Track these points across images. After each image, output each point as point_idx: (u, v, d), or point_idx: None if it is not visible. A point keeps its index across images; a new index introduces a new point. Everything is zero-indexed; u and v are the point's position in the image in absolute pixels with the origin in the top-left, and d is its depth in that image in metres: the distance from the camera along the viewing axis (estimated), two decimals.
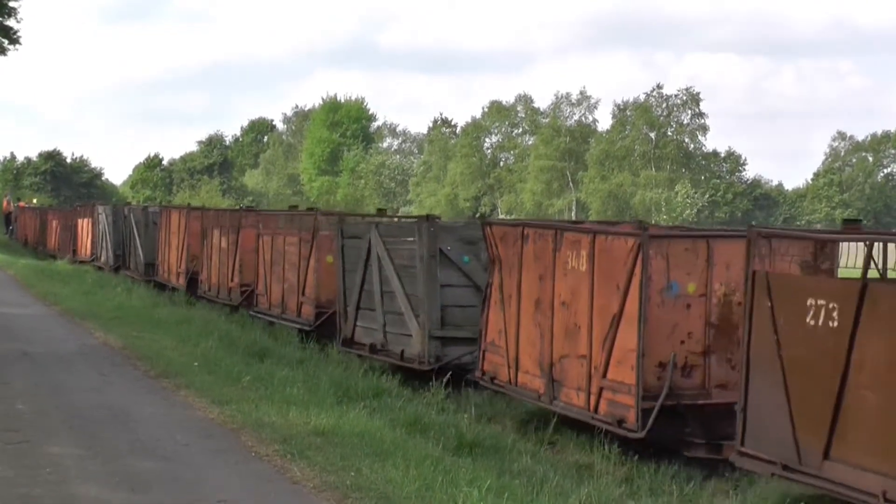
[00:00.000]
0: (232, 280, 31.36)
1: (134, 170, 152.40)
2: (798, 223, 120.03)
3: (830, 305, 11.80)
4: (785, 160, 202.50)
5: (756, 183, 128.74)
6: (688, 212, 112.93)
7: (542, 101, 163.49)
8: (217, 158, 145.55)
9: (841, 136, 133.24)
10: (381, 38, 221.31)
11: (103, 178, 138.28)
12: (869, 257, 12.32)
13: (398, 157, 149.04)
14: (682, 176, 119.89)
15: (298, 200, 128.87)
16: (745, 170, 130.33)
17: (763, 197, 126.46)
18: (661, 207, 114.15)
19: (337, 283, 23.98)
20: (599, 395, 15.74)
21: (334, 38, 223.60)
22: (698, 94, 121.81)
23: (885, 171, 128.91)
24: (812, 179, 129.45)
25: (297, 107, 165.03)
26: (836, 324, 11.69)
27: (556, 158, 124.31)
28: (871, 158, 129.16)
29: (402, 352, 21.28)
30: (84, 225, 51.95)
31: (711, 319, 15.23)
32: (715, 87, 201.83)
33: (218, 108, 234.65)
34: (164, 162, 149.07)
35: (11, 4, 52.15)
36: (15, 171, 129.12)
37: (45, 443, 14.36)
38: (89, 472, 12.89)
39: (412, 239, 21.23)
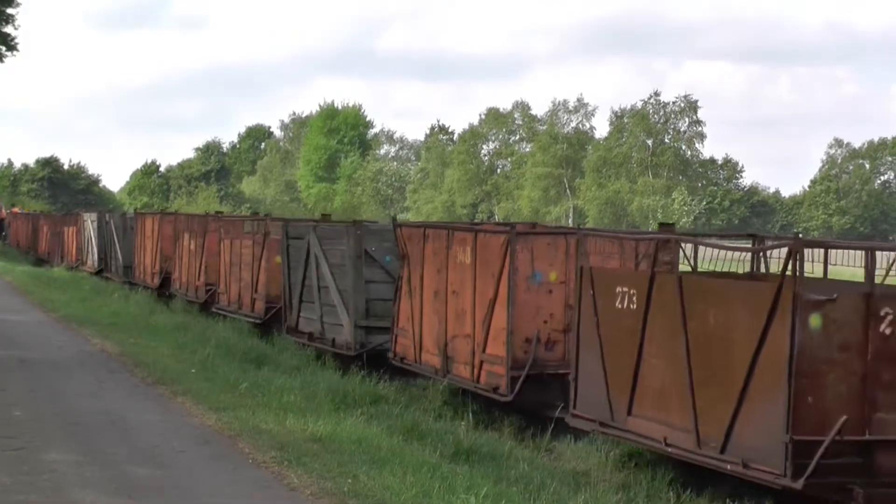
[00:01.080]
0: (198, 280, 33.85)
1: (131, 176, 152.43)
2: (795, 230, 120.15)
3: (631, 291, 14.74)
4: (782, 167, 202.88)
5: (753, 190, 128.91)
6: (685, 219, 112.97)
7: (540, 109, 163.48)
8: (214, 165, 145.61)
9: (838, 143, 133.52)
10: (379, 44, 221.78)
11: (100, 185, 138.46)
12: (677, 254, 15.53)
13: (395, 164, 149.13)
14: (680, 183, 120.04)
15: (296, 207, 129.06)
16: (741, 177, 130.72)
17: (760, 204, 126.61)
18: (658, 214, 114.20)
19: (282, 280, 26.68)
20: (480, 368, 18.53)
21: (332, 45, 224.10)
22: (696, 101, 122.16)
23: (882, 178, 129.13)
24: (809, 186, 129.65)
25: (294, 114, 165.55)
26: (634, 306, 14.62)
27: (553, 165, 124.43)
28: (867, 165, 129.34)
29: (334, 339, 23.85)
30: (70, 231, 54.62)
31: (570, 302, 17.31)
32: (712, 95, 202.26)
33: (215, 115, 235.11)
34: (162, 169, 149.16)
35: (9, 11, 52.08)
36: (12, 178, 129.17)
37: (43, 449, 14.35)
38: (87, 479, 12.88)
39: (342, 241, 23.80)
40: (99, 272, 47.01)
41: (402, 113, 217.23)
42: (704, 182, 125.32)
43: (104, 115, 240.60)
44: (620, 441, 15.14)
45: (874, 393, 12.26)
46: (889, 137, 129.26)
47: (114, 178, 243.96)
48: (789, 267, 12.14)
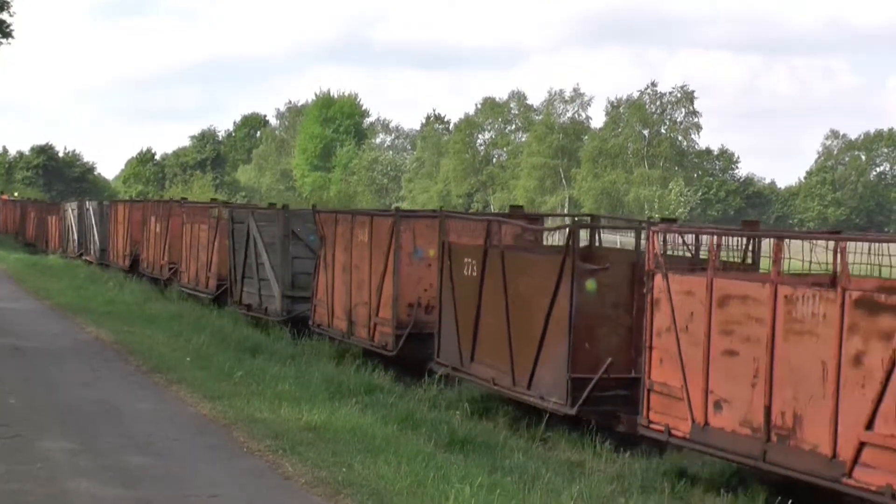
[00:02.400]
0: (163, 259, 37.68)
1: (126, 164, 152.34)
2: (790, 221, 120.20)
3: (473, 262, 18.58)
4: (778, 158, 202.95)
5: (749, 181, 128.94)
6: (681, 209, 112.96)
7: (536, 98, 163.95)
8: (210, 153, 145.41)
9: (834, 134, 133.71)
10: (375, 34, 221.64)
11: (96, 173, 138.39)
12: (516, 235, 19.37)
13: (391, 153, 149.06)
14: (676, 174, 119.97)
15: (291, 196, 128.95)
16: (737, 168, 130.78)
17: (756, 195, 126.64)
18: (654, 205, 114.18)
19: (228, 259, 30.22)
20: (375, 329, 22.08)
21: (328, 34, 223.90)
22: (692, 91, 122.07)
23: (878, 169, 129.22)
24: (805, 178, 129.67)
25: (290, 102, 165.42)
26: (475, 273, 18.50)
27: (549, 155, 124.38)
28: (863, 157, 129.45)
29: (267, 308, 27.46)
30: (54, 219, 59.50)
31: None
32: (709, 85, 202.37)
33: (211, 104, 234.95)
34: (157, 157, 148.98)
35: None
36: (7, 166, 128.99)
37: (37, 438, 14.35)
38: (81, 468, 12.88)
39: (274, 223, 27.40)
40: (79, 256, 50.86)
41: (398, 102, 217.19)
42: (700, 173, 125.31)
43: (100, 103, 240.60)
44: (466, 382, 18.73)
45: (639, 341, 15.15)
46: (885, 129, 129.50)
47: (109, 167, 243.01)
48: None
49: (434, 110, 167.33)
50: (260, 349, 23.03)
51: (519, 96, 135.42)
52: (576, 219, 19.35)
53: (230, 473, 12.88)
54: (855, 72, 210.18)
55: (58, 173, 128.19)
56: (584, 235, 18.15)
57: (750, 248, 15.52)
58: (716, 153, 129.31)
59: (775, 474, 12.78)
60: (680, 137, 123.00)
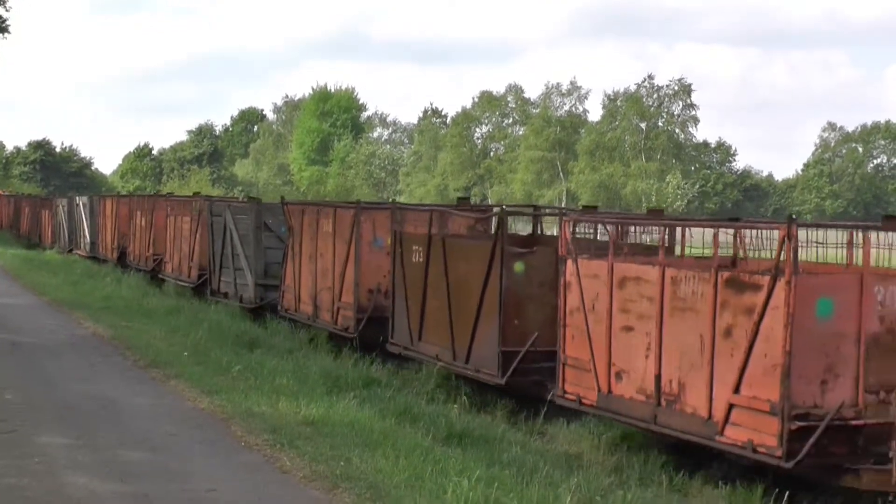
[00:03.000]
0: (148, 251, 38.98)
1: (124, 159, 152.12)
2: (789, 213, 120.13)
3: (420, 249, 20.23)
4: (775, 151, 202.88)
5: (746, 173, 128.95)
6: (678, 202, 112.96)
7: (533, 92, 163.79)
8: (207, 148, 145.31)
9: (831, 126, 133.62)
10: (372, 28, 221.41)
11: (93, 168, 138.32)
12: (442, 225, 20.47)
13: (388, 147, 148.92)
14: (673, 166, 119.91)
15: (288, 190, 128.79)
16: (735, 160, 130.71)
17: (753, 188, 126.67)
18: (651, 198, 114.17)
19: (207, 250, 31.65)
20: (338, 313, 23.53)
21: (325, 28, 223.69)
22: (689, 84, 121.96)
23: (875, 161, 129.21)
24: (802, 170, 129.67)
25: (287, 97, 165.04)
26: (422, 260, 20.07)
27: (546, 149, 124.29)
28: (860, 149, 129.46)
29: (242, 296, 28.98)
30: (47, 214, 60.60)
31: None
32: (706, 78, 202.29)
33: (208, 98, 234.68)
34: (154, 151, 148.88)
35: None
36: (4, 161, 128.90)
37: (34, 433, 14.34)
38: (78, 463, 12.87)
39: (248, 216, 28.86)
40: (70, 251, 51.82)
41: (396, 96, 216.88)
42: (697, 166, 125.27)
43: (97, 98, 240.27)
44: (415, 359, 20.45)
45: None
46: (882, 121, 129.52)
47: (106, 162, 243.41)
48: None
49: (431, 104, 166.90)
50: (258, 343, 23.03)
51: (516, 90, 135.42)
52: (504, 207, 21.47)
53: (228, 468, 12.88)
54: (852, 64, 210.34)
55: (55, 168, 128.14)
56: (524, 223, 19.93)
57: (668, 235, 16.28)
58: (713, 146, 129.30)
59: (666, 436, 14.26)
60: (677, 130, 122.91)
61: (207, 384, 17.81)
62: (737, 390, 13.06)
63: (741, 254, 15.03)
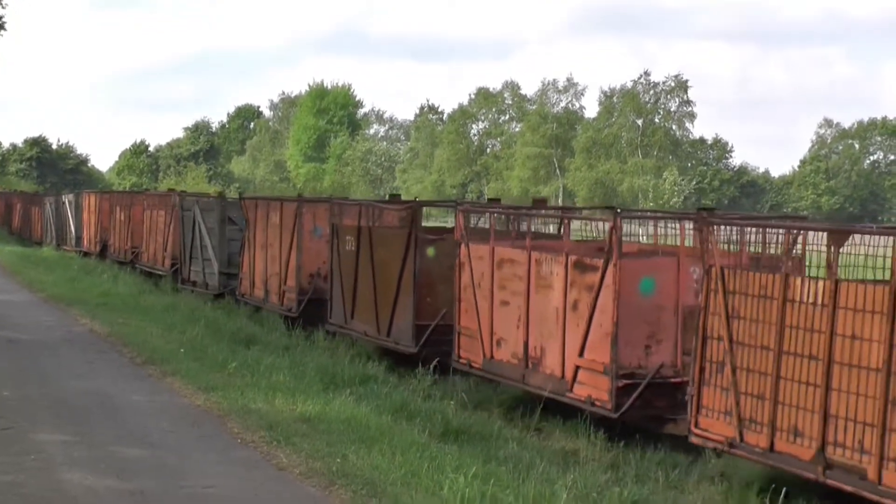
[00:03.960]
0: (126, 244, 41.61)
1: (120, 156, 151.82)
2: (784, 210, 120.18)
3: (351, 238, 22.90)
4: (772, 147, 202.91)
5: (743, 170, 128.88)
6: (675, 199, 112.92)
7: (529, 88, 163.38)
8: (203, 145, 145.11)
9: (828, 123, 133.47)
10: (369, 24, 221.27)
11: (89, 165, 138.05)
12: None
13: (385, 143, 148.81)
14: (670, 163, 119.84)
15: (285, 187, 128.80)
16: (731, 157, 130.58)
17: (749, 184, 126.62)
18: (648, 194, 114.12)
19: (179, 242, 34.19)
20: (283, 295, 26.24)
21: (322, 25, 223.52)
22: (686, 81, 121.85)
23: (872, 158, 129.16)
24: (798, 166, 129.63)
25: (283, 93, 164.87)
26: (353, 248, 22.77)
27: (542, 145, 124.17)
28: (857, 146, 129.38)
29: (208, 284, 31.67)
30: (36, 210, 63.14)
31: None
32: (703, 75, 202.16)
33: (205, 95, 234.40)
34: (151, 148, 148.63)
35: None
36: (0, 158, 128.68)
37: (31, 430, 14.35)
38: (75, 459, 12.88)
39: (214, 210, 31.48)
40: (58, 246, 53.88)
41: (392, 92, 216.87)
42: (694, 162, 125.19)
43: (94, 95, 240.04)
44: (346, 336, 22.85)
45: None
46: (879, 117, 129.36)
47: (103, 158, 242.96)
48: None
49: (428, 101, 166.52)
50: (254, 340, 23.06)
51: (513, 86, 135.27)
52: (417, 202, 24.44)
53: (224, 464, 12.89)
54: (849, 61, 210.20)
55: (51, 165, 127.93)
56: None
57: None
58: (710, 142, 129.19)
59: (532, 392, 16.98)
60: (674, 127, 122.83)
61: (204, 381, 17.82)
62: (581, 354, 15.89)
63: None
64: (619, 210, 16.32)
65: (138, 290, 33.03)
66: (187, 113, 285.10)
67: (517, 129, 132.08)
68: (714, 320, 13.43)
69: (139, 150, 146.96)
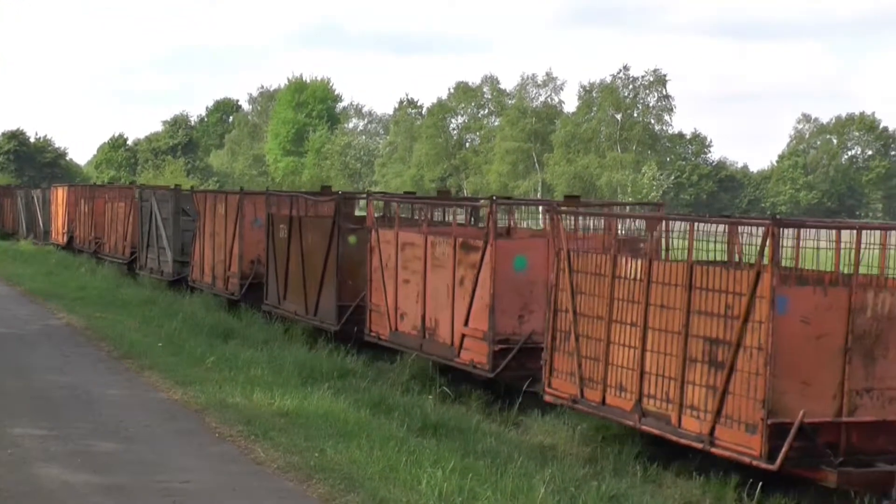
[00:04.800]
0: (90, 235, 43.58)
1: (98, 150, 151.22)
2: (763, 205, 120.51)
3: (284, 227, 24.94)
4: (750, 142, 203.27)
5: (721, 165, 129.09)
6: (653, 193, 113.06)
7: (508, 83, 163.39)
8: (182, 139, 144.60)
9: (806, 118, 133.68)
10: (348, 18, 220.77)
11: (67, 158, 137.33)
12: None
13: (364, 137, 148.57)
14: (649, 157, 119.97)
15: (264, 181, 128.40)
16: (710, 152, 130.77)
17: (728, 179, 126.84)
18: (627, 189, 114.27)
19: (138, 231, 36.29)
20: (228, 281, 28.49)
21: (301, 18, 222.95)
22: (665, 75, 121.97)
23: (850, 153, 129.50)
24: (777, 161, 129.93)
25: (262, 87, 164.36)
26: (285, 236, 24.79)
27: (521, 140, 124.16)
28: (835, 141, 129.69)
29: (163, 271, 33.79)
30: (8, 203, 65.46)
31: None
32: (681, 69, 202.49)
33: (183, 89, 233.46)
34: (129, 142, 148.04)
35: None
36: None
37: (7, 424, 14.29)
38: (51, 454, 12.83)
39: (169, 202, 33.59)
40: (27, 238, 56.84)
41: (371, 86, 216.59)
42: (673, 157, 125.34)
43: (72, 88, 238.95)
44: (280, 316, 25.08)
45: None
46: (857, 113, 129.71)
47: (81, 152, 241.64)
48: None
49: (407, 95, 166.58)
50: (232, 334, 23.04)
51: (492, 81, 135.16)
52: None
53: (202, 459, 12.86)
54: (827, 56, 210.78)
55: (29, 159, 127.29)
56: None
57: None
58: (688, 137, 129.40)
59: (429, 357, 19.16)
60: (653, 121, 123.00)
61: (181, 375, 17.79)
62: (466, 324, 18.06)
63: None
64: (494, 198, 18.75)
65: (115, 284, 32.95)
66: (166, 107, 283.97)
67: (496, 124, 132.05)
68: (562, 295, 15.56)
69: (117, 143, 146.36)
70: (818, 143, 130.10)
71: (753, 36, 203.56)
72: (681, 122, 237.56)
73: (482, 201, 21.18)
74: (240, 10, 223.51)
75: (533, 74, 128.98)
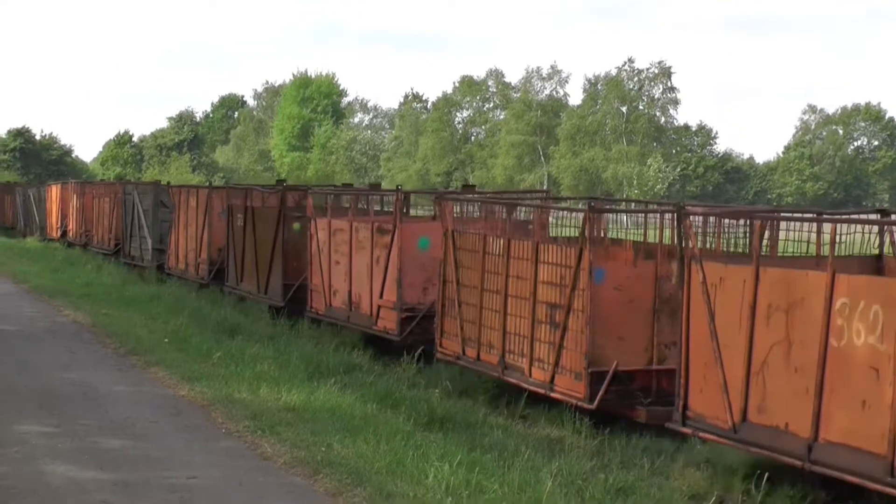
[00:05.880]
0: (81, 229, 47.00)
1: (104, 147, 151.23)
2: (769, 196, 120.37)
3: (241, 216, 27.57)
4: (756, 134, 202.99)
5: (727, 156, 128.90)
6: (659, 185, 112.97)
7: (513, 76, 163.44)
8: (187, 135, 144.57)
9: (811, 109, 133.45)
10: (352, 13, 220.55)
11: (73, 155, 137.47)
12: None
13: (369, 132, 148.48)
14: (654, 150, 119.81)
15: (269, 177, 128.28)
16: (716, 143, 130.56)
17: (734, 170, 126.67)
18: (632, 182, 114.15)
19: (122, 223, 39.31)
20: (198, 267, 31.26)
21: (306, 13, 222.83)
22: (670, 67, 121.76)
23: (855, 143, 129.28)
24: (783, 153, 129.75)
25: (267, 83, 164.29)
26: (242, 224, 27.24)
27: (527, 133, 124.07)
28: (841, 131, 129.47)
29: (143, 258, 36.68)
30: (7, 200, 68.34)
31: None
32: (687, 61, 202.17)
33: (189, 85, 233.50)
34: (135, 139, 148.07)
35: None
36: None
37: (14, 421, 14.29)
38: (58, 451, 12.83)
39: (149, 195, 36.88)
40: (24, 235, 59.43)
41: (376, 81, 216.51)
42: (678, 149, 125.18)
43: (78, 85, 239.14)
44: (239, 295, 27.96)
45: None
46: (862, 103, 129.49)
47: (87, 149, 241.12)
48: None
49: (412, 89, 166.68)
50: (239, 330, 23.00)
51: (496, 74, 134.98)
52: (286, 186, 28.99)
53: (209, 455, 12.86)
54: (832, 46, 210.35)
55: (35, 156, 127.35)
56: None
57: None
58: (694, 129, 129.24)
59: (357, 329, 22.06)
60: (658, 114, 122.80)
61: (188, 371, 17.78)
62: (381, 297, 20.93)
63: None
64: (399, 187, 22.54)
65: (121, 281, 32.96)
66: (171, 103, 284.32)
67: (501, 117, 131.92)
68: (449, 269, 18.62)
69: (123, 140, 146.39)
70: (824, 133, 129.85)
71: (759, 27, 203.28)
72: (686, 114, 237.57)
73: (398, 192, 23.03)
74: (245, 5, 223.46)
75: (538, 67, 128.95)
